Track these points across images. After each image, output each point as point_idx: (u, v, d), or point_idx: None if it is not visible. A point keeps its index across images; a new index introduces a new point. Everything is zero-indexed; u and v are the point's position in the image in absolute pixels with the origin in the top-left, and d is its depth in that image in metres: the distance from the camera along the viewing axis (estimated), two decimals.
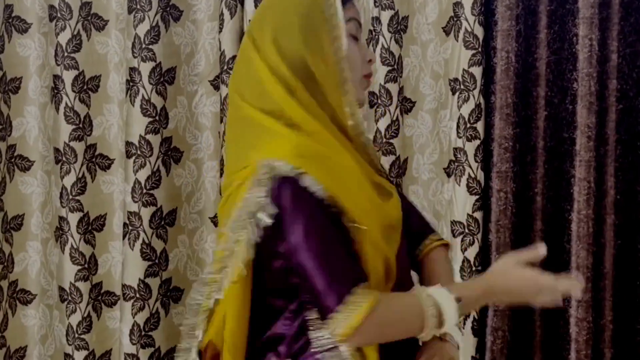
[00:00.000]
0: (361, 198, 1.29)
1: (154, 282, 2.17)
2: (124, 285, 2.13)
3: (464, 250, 2.24)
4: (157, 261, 2.16)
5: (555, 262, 2.25)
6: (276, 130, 1.28)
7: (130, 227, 2.16)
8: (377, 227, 1.29)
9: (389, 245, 1.34)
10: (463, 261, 2.24)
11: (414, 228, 1.54)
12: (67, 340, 2.27)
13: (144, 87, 2.16)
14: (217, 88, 2.25)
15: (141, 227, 2.12)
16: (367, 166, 1.39)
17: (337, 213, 1.24)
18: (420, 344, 1.39)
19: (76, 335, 2.23)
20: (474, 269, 2.23)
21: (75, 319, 2.22)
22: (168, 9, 2.22)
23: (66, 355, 2.29)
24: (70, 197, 2.23)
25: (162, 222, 2.16)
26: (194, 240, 2.25)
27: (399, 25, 2.23)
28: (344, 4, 1.36)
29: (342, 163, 1.30)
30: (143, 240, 2.12)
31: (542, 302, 1.31)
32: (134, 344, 2.17)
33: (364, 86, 1.42)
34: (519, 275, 1.31)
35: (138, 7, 2.14)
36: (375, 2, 2.22)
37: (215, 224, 2.21)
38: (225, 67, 2.16)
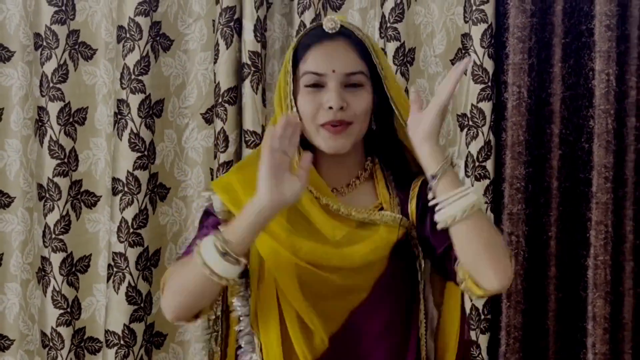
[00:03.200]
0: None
1: (139, 328, 2.04)
2: (107, 331, 1.99)
3: (472, 297, 2.06)
4: (142, 305, 2.03)
5: (570, 312, 2.19)
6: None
7: (115, 269, 2.02)
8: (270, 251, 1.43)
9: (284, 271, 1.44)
10: (471, 309, 2.14)
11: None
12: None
13: (132, 120, 2.06)
14: (209, 121, 2.18)
15: (127, 268, 1.99)
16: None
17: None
18: None
19: (52, 237, 2.14)
20: (482, 317, 2.14)
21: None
22: (158, 38, 2.13)
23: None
24: (54, 236, 2.12)
25: (148, 263, 2.05)
26: None
27: (405, 58, 2.16)
28: (300, 58, 1.48)
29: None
30: (129, 282, 1.99)
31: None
32: None
33: (326, 135, 1.47)
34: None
35: (128, 35, 2.05)
36: (380, 33, 2.16)
37: None
38: (220, 100, 2.07)
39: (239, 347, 1.52)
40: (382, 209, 1.53)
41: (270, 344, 1.48)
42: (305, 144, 1.49)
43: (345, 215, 1.50)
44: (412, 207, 1.53)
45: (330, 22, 1.49)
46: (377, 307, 1.50)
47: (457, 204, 1.35)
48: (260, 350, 1.50)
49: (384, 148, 1.60)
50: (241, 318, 1.51)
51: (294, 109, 1.49)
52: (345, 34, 1.51)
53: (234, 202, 1.46)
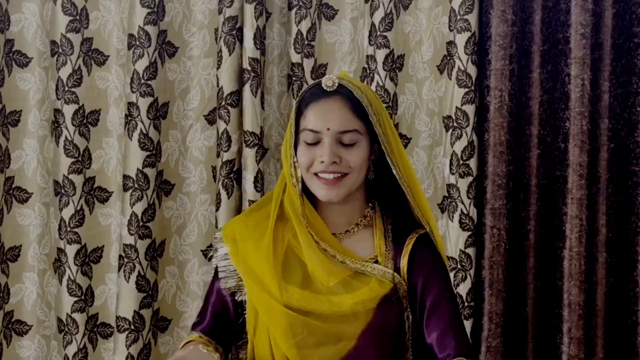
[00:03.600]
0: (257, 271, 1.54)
1: (147, 314, 2.13)
2: (118, 317, 2.09)
3: (456, 285, 2.19)
4: (150, 292, 2.13)
5: (547, 300, 2.24)
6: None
7: (125, 259, 2.12)
8: (263, 296, 1.50)
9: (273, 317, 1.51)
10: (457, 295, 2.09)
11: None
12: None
13: (142, 122, 2.13)
14: (211, 123, 2.24)
15: (137, 259, 2.08)
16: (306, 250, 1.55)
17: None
18: None
19: (68, 229, 2.20)
20: (466, 304, 2.19)
21: (71, 350, 2.17)
22: (164, 45, 2.20)
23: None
24: (69, 229, 2.18)
25: (155, 254, 2.14)
26: (184, 272, 2.22)
27: (394, 64, 2.21)
28: (301, 114, 1.55)
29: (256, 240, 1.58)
30: (139, 272, 2.08)
31: None
32: None
33: (319, 186, 1.53)
34: None
35: (137, 43, 2.11)
36: (370, 41, 2.20)
37: (206, 256, 2.22)
38: (223, 103, 2.15)
39: None
40: (377, 261, 1.56)
41: None
42: (308, 192, 1.56)
43: (340, 261, 1.54)
44: (403, 262, 1.57)
45: (329, 81, 1.54)
46: (365, 355, 1.53)
47: None
48: None
49: (386, 195, 1.63)
50: None
51: (295, 159, 1.56)
52: (342, 92, 1.54)
53: (235, 254, 1.56)
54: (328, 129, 1.50)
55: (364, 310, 1.50)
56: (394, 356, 1.54)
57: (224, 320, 1.57)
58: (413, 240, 1.59)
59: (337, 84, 1.54)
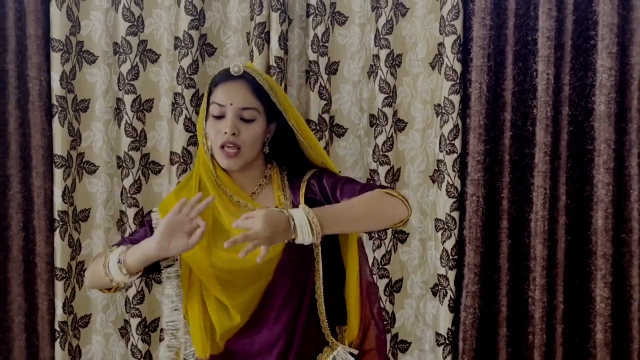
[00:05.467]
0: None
1: None
2: None
3: (443, 242, 2.34)
4: None
5: (517, 254, 2.34)
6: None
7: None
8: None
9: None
10: (442, 251, 2.34)
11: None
12: (125, 309, 2.38)
13: (186, 109, 2.23)
14: None
15: None
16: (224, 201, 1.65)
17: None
18: None
19: (131, 306, 2.33)
20: (450, 257, 2.32)
21: (131, 292, 2.33)
22: (205, 46, 2.27)
23: (125, 321, 2.39)
24: (129, 195, 2.29)
25: None
26: None
27: (394, 61, 2.31)
28: (211, 93, 1.64)
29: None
30: None
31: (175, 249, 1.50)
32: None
33: (221, 155, 1.62)
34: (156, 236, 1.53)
35: (182, 44, 2.20)
36: (375, 43, 2.31)
37: None
38: None
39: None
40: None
41: (194, 319, 1.62)
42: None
43: (251, 209, 1.60)
44: (301, 194, 1.66)
45: (235, 67, 1.64)
46: (279, 285, 1.61)
47: (300, 226, 1.43)
48: (187, 328, 1.65)
49: (284, 154, 1.72)
50: (175, 306, 1.66)
51: (205, 130, 1.63)
52: (246, 77, 1.63)
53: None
54: (231, 104, 1.60)
55: (274, 251, 1.57)
56: (304, 277, 1.62)
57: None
58: (308, 175, 1.68)
59: (242, 71, 1.64)
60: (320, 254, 1.62)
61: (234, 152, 1.59)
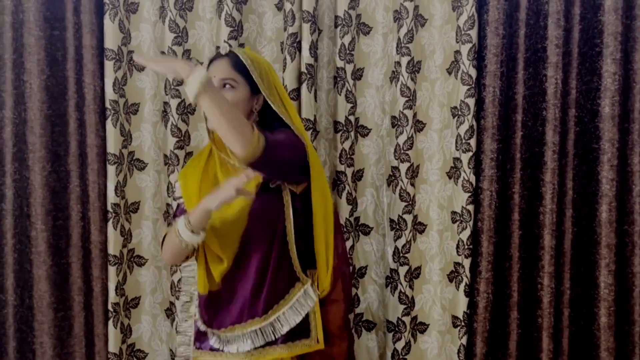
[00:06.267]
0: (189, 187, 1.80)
1: None
2: None
3: (459, 233, 2.46)
4: None
5: (527, 244, 2.43)
6: None
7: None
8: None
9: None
10: (458, 241, 2.46)
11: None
12: (171, 292, 2.53)
13: None
14: None
15: None
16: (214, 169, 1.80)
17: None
18: None
19: (176, 289, 2.47)
20: (466, 247, 2.43)
21: (176, 277, 2.47)
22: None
23: (170, 303, 2.54)
24: (174, 189, 2.29)
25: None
26: None
27: (414, 68, 2.41)
28: (208, 68, 1.81)
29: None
30: None
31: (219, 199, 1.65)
32: None
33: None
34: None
35: None
36: (397, 51, 2.40)
37: None
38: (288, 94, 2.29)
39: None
40: None
41: (199, 266, 1.83)
42: None
43: (235, 168, 1.75)
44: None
45: (223, 49, 1.84)
46: (253, 229, 1.78)
47: (193, 80, 1.55)
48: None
49: (267, 120, 1.84)
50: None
51: None
52: (230, 55, 1.81)
53: (184, 192, 1.82)
54: (214, 76, 1.77)
55: (245, 200, 1.75)
56: (274, 222, 1.78)
57: None
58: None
59: (228, 50, 1.82)
60: (290, 201, 1.78)
61: None
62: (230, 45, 1.93)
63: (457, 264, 2.54)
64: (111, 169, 2.43)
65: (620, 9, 2.37)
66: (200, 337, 1.87)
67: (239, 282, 1.79)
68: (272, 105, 1.78)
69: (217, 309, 1.82)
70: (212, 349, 1.83)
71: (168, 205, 2.54)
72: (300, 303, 1.80)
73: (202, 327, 1.86)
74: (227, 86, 1.77)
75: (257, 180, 1.75)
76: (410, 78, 2.43)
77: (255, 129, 1.62)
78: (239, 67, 1.79)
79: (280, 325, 1.79)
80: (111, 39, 2.39)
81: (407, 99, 2.44)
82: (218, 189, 1.68)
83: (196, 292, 1.90)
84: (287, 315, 1.79)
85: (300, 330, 1.81)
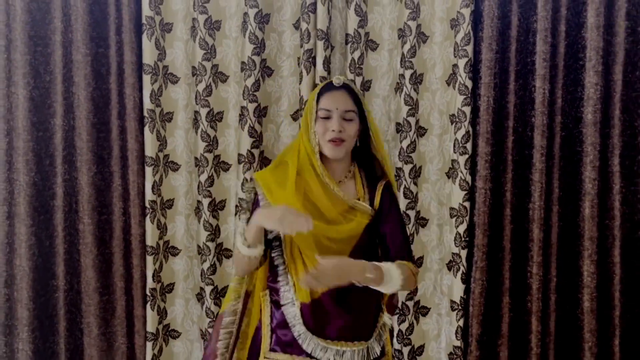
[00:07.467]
0: (280, 199, 1.75)
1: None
2: (234, 245, 2.14)
3: (457, 226, 2.57)
4: None
5: (518, 236, 2.54)
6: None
7: (240, 208, 2.53)
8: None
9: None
10: (456, 234, 2.57)
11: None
12: (201, 279, 2.64)
13: (250, 119, 2.46)
14: (295, 119, 2.52)
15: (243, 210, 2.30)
16: (318, 191, 1.78)
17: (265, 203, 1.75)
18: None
19: (206, 276, 2.57)
20: (462, 239, 2.55)
21: (205, 266, 2.60)
22: (264, 69, 2.51)
23: (201, 288, 2.64)
24: (204, 188, 2.53)
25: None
26: None
27: (417, 80, 2.52)
28: (319, 100, 1.83)
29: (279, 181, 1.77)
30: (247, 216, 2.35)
31: (283, 229, 1.61)
32: None
33: (330, 147, 1.80)
34: (267, 212, 1.69)
35: (247, 67, 2.43)
36: (401, 64, 2.51)
37: None
38: (303, 106, 2.43)
39: (277, 281, 1.80)
40: (359, 199, 1.82)
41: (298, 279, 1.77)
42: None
43: (339, 196, 1.76)
44: (377, 201, 1.84)
45: (337, 80, 1.84)
46: (363, 245, 1.82)
47: (391, 282, 1.67)
48: (293, 284, 1.80)
49: (363, 157, 1.89)
50: (279, 266, 1.81)
51: (314, 130, 1.79)
52: (345, 87, 1.84)
53: (270, 195, 1.76)
54: (337, 109, 1.78)
55: (355, 234, 1.78)
56: (370, 259, 1.78)
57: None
58: (382, 186, 1.86)
59: (342, 82, 1.84)
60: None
61: (339, 143, 1.77)
62: (340, 77, 1.90)
63: (455, 254, 2.64)
64: (149, 170, 2.54)
65: (601, 27, 2.47)
66: (284, 340, 1.80)
67: (336, 296, 1.76)
68: (373, 140, 1.81)
69: (325, 318, 1.78)
70: (309, 356, 1.78)
71: (198, 202, 2.64)
72: (383, 328, 1.87)
73: (301, 332, 1.78)
74: (347, 117, 1.78)
75: (362, 223, 1.77)
76: (413, 89, 2.53)
77: (415, 269, 1.71)
78: (355, 99, 1.80)
79: (373, 347, 1.85)
80: (148, 56, 2.50)
81: (410, 107, 2.54)
82: (284, 214, 1.64)
83: (289, 298, 1.82)
84: (375, 340, 1.85)
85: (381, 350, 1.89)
